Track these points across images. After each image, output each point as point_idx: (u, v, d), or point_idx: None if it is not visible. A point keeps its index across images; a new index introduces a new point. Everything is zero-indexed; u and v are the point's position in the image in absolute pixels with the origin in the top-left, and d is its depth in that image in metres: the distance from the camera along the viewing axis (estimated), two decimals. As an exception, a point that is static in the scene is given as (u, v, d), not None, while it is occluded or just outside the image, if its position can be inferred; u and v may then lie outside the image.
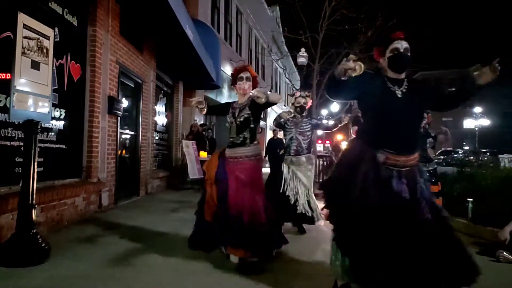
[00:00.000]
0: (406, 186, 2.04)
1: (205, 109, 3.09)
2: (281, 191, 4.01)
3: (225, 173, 2.93)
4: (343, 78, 1.99)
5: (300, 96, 4.27)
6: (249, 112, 2.99)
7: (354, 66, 1.93)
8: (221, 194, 2.87)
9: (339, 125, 4.42)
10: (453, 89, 2.24)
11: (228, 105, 3.20)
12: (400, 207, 1.99)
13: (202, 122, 9.90)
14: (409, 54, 2.15)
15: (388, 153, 2.06)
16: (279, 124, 4.32)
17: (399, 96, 2.12)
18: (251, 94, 2.82)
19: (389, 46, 2.15)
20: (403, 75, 2.20)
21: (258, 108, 3.03)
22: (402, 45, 2.13)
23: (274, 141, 9.29)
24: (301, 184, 4.05)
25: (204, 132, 9.12)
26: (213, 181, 2.95)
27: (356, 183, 2.04)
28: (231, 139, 3.04)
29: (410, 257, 1.91)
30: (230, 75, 3.25)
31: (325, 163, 10.46)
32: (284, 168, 4.13)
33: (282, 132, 5.22)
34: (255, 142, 3.06)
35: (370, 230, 1.96)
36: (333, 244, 2.18)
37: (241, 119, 2.99)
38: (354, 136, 5.71)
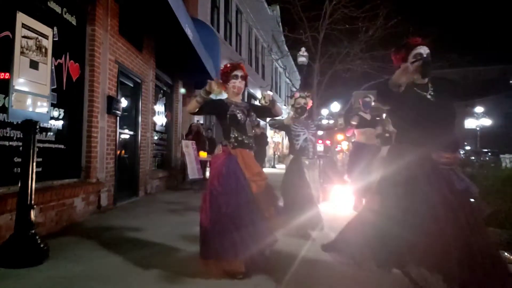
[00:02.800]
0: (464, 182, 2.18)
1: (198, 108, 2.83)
2: (310, 195, 3.96)
3: (237, 176, 2.68)
4: (398, 87, 2.11)
5: (300, 96, 4.18)
6: (254, 114, 2.95)
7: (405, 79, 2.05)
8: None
9: (335, 128, 4.38)
10: (485, 81, 2.35)
11: (221, 101, 2.93)
12: (462, 202, 2.03)
13: (201, 122, 9.88)
14: (430, 59, 2.23)
15: (442, 153, 2.16)
16: (280, 126, 4.23)
17: (431, 99, 2.21)
18: (265, 93, 2.81)
19: (412, 52, 2.21)
20: (426, 80, 2.26)
21: (258, 114, 3.03)
22: (425, 50, 2.21)
23: (256, 138, 9.15)
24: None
25: (204, 132, 9.11)
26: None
27: (420, 183, 2.06)
28: (244, 138, 2.84)
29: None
30: (220, 71, 3.04)
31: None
32: (306, 172, 4.03)
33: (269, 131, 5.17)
34: None
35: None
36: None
37: (254, 119, 2.93)
38: (349, 135, 5.70)
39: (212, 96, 2.83)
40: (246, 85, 3.01)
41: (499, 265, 1.96)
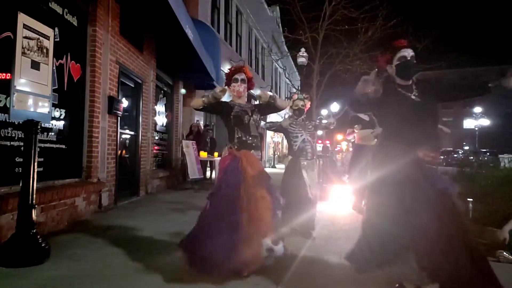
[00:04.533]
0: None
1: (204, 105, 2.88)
2: (309, 195, 3.95)
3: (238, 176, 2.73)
4: (364, 99, 2.21)
5: (298, 98, 4.18)
6: (259, 114, 2.97)
7: (371, 90, 2.07)
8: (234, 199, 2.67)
9: (329, 127, 4.40)
10: (468, 81, 2.38)
11: (226, 103, 3.00)
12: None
13: (202, 122, 9.90)
14: (415, 61, 2.28)
15: (427, 152, 2.21)
16: (277, 128, 4.23)
17: (416, 100, 2.26)
18: (255, 94, 2.81)
19: (397, 55, 2.27)
20: (410, 81, 2.31)
21: (265, 112, 3.04)
22: (409, 53, 2.27)
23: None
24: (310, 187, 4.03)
25: (206, 132, 9.13)
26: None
27: (406, 182, 2.13)
28: (248, 138, 2.88)
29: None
30: (224, 74, 3.10)
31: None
32: (304, 173, 4.01)
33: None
34: None
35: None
36: None
37: (258, 119, 2.95)
38: (348, 137, 5.75)
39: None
40: (250, 88, 3.02)
41: (480, 261, 2.04)
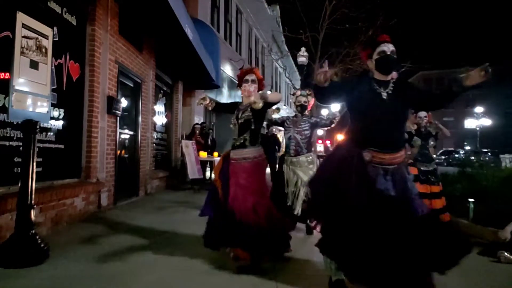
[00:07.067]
0: (391, 184, 2.10)
1: (212, 105, 3.21)
2: (286, 191, 3.94)
3: (227, 175, 2.96)
4: (324, 85, 2.11)
5: (301, 94, 4.19)
6: (250, 113, 2.96)
7: (328, 76, 2.04)
8: (224, 196, 2.90)
9: (334, 122, 4.33)
10: (438, 90, 2.33)
11: (235, 104, 3.20)
12: (387, 204, 2.05)
13: (202, 121, 9.87)
14: (395, 56, 2.22)
15: (374, 152, 2.13)
16: (275, 122, 4.28)
17: (384, 97, 2.19)
18: (250, 99, 2.86)
19: (376, 49, 2.21)
20: (389, 77, 2.26)
21: (261, 111, 3.04)
22: (389, 47, 2.21)
23: (267, 139, 9.09)
24: (303, 183, 3.91)
25: (208, 132, 9.10)
26: (219, 182, 3.00)
27: (344, 182, 2.12)
28: (234, 141, 3.04)
29: (398, 252, 1.95)
30: (236, 76, 3.25)
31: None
32: (285, 169, 4.04)
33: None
34: (256, 144, 3.01)
35: (358, 228, 2.03)
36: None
37: (242, 121, 2.98)
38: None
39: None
40: (260, 88, 3.09)
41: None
